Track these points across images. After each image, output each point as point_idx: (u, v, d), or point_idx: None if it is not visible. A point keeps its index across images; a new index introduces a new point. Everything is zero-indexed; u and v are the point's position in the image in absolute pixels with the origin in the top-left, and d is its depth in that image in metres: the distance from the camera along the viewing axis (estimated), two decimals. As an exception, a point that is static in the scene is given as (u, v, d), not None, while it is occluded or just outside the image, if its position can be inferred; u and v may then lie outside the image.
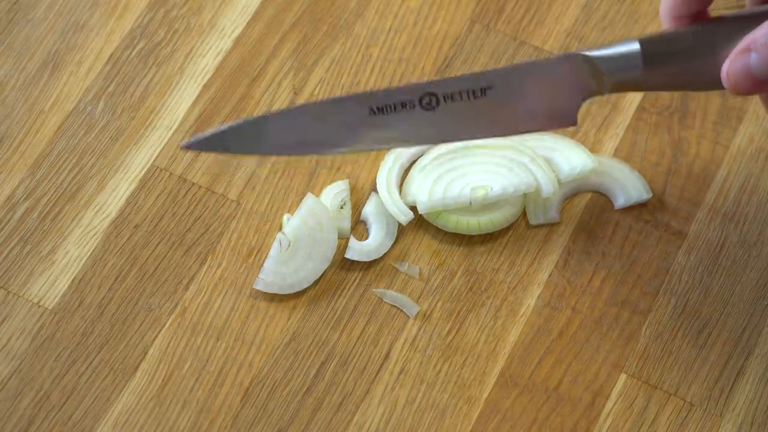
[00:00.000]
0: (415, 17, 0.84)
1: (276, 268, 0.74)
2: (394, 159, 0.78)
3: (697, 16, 0.68)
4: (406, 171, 0.79)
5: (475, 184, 0.76)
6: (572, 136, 0.80)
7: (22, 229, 0.77)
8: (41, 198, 0.78)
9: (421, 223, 0.77)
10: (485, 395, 0.73)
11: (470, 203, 0.76)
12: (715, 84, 0.67)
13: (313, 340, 0.74)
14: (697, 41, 0.67)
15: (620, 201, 0.78)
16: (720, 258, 0.77)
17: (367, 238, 0.77)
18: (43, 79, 0.81)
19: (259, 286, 0.74)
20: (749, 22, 0.66)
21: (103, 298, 0.75)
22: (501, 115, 0.68)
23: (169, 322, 0.74)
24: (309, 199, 0.76)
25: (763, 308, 0.75)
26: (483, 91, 0.68)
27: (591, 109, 0.81)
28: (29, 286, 0.75)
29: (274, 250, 0.75)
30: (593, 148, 0.79)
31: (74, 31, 0.83)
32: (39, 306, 0.75)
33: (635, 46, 0.67)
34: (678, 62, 0.67)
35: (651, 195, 0.78)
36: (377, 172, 0.78)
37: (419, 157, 0.78)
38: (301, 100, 0.80)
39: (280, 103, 0.80)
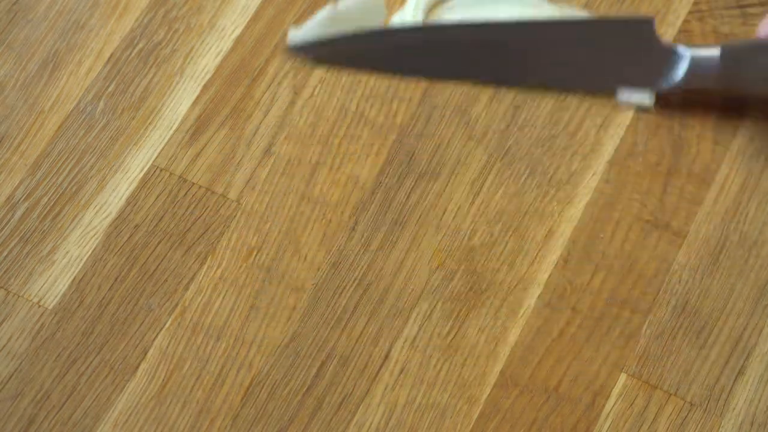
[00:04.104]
0: (415, 17, 0.84)
1: (318, 30, 0.76)
2: None
3: None
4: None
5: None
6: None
7: (22, 229, 0.77)
8: (41, 198, 0.78)
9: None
10: (485, 395, 0.73)
11: None
12: None
13: (313, 340, 0.74)
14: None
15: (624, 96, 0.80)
16: (720, 258, 0.77)
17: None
18: (43, 79, 0.81)
19: (296, 39, 0.77)
20: None
21: (103, 298, 0.75)
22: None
23: (169, 322, 0.74)
24: None
25: (763, 308, 0.75)
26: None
27: (591, 108, 0.81)
28: (29, 286, 0.75)
29: (325, 11, 0.77)
30: (593, 148, 0.79)
31: (74, 31, 0.83)
32: (39, 306, 0.75)
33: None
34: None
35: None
36: None
37: None
38: (302, 98, 0.80)
39: (280, 103, 0.81)
